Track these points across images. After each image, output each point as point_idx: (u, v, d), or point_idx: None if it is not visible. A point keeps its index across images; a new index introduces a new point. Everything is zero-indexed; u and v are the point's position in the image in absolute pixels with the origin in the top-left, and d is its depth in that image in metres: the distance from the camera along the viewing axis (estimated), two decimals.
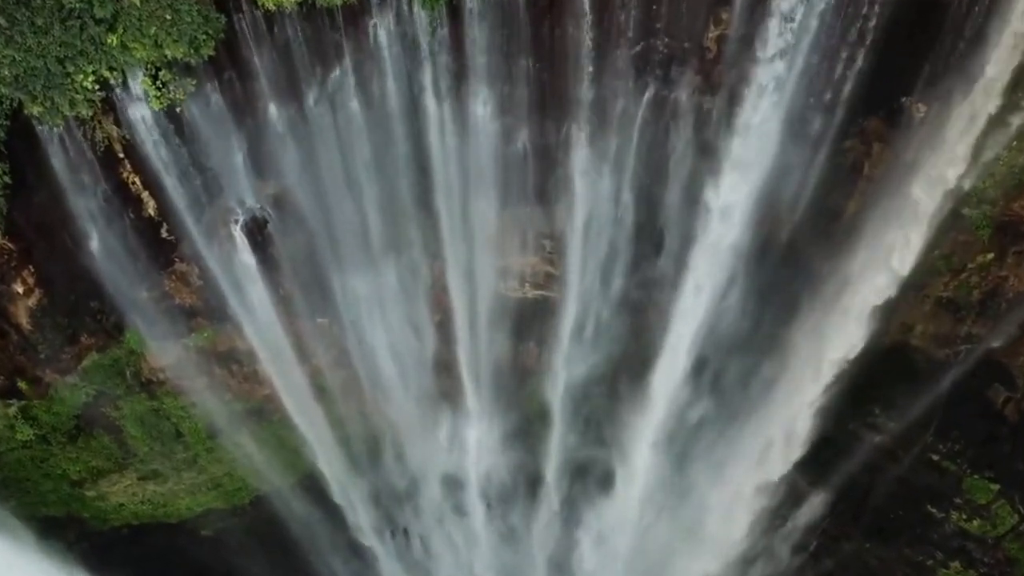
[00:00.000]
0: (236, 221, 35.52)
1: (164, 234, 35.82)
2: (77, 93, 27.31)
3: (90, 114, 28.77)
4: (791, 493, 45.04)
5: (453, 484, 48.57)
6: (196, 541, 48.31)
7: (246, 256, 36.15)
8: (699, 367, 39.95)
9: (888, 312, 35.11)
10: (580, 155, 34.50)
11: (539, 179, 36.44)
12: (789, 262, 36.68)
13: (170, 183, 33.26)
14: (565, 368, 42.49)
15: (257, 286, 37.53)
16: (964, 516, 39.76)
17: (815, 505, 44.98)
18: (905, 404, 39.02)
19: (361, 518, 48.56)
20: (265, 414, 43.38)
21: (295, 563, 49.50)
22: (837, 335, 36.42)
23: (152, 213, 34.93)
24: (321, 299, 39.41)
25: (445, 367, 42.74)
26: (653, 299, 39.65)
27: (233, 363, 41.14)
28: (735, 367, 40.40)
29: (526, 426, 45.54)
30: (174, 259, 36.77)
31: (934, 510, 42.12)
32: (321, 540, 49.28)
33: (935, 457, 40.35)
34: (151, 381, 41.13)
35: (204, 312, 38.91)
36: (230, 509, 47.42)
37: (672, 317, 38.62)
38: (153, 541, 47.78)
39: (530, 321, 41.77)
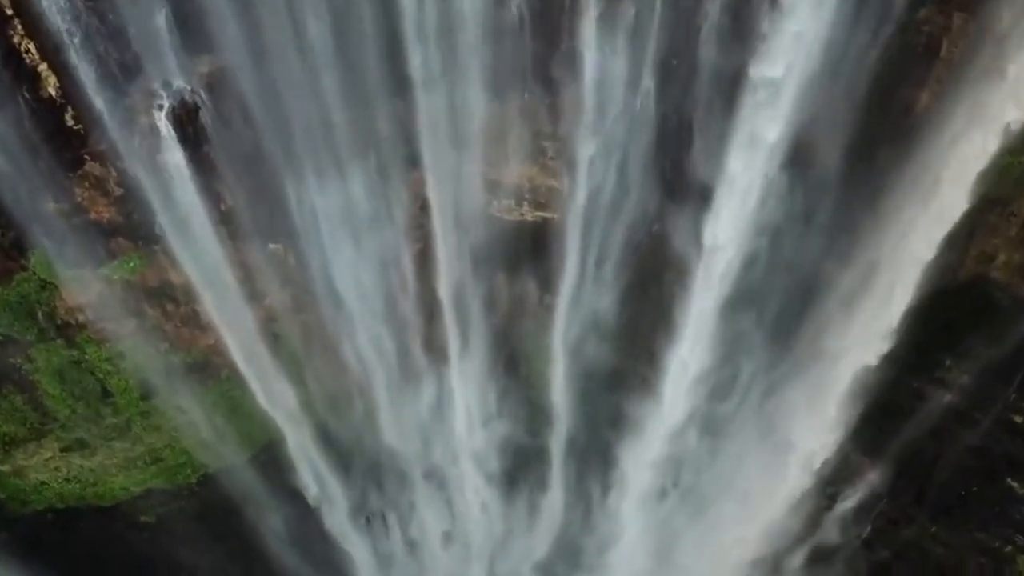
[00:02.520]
0: (160, 107, 28.52)
1: (69, 121, 28.28)
2: None
3: None
4: (842, 467, 36.97)
5: (438, 459, 40.57)
6: (135, 528, 41.09)
7: (174, 153, 29.51)
8: (737, 303, 32.10)
9: (964, 236, 28.51)
10: (590, 24, 28.23)
11: (538, 57, 29.93)
12: (844, 170, 29.98)
13: (74, 53, 27.00)
14: (573, 310, 34.74)
15: (190, 196, 30.80)
16: None
17: (871, 482, 37.27)
18: (983, 353, 32.01)
19: (330, 501, 40.34)
20: (210, 369, 35.93)
21: (252, 555, 41.51)
22: (901, 265, 29.31)
23: (53, 93, 28.04)
24: (272, 218, 32.38)
25: (427, 311, 35.16)
26: (680, 219, 31.82)
27: (167, 302, 33.87)
28: (779, 304, 32.46)
29: (526, 385, 37.62)
30: (84, 156, 29.72)
31: (1015, 484, 35.42)
32: (283, 528, 41.51)
33: (1018, 419, 33.76)
34: (69, 324, 34.06)
35: (126, 231, 32.07)
36: (173, 490, 40.09)
37: (704, 241, 31.09)
38: (84, 528, 40.33)
39: (529, 252, 34.20)
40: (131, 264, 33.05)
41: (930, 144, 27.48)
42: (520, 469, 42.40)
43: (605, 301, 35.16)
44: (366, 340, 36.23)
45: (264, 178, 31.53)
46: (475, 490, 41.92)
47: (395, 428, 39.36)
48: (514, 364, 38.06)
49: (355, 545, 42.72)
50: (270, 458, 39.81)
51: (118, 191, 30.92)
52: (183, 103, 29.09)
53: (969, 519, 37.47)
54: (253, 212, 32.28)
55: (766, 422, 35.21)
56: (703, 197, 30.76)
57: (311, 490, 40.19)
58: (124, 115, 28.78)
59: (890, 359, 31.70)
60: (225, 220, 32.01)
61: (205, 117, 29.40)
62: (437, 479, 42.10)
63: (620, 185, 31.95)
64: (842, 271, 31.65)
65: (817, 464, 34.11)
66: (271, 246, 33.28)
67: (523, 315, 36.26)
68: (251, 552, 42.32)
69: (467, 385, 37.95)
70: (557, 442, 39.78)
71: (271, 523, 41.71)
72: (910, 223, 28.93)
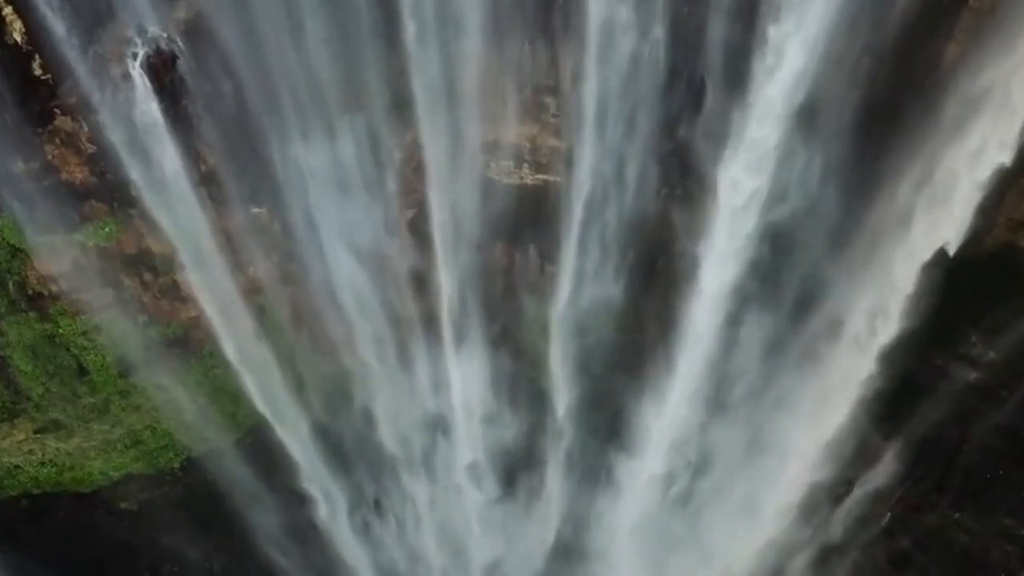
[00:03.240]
0: (134, 55, 26.42)
1: (37, 71, 26.12)
2: None
3: None
4: (860, 450, 34.84)
5: (433, 441, 38.36)
6: (115, 516, 39.10)
7: (150, 107, 27.31)
8: (753, 272, 30.01)
9: (994, 199, 26.21)
10: None
11: (540, 4, 27.91)
12: (868, 127, 27.79)
13: None
14: (576, 282, 32.52)
15: (168, 154, 28.71)
16: None
17: (890, 465, 34.87)
18: (1011, 327, 29.73)
19: (319, 488, 38.20)
20: (192, 344, 33.85)
21: (239, 545, 39.25)
22: (925, 230, 27.58)
23: (19, 39, 25.98)
24: (256, 179, 30.40)
25: (421, 282, 32.88)
26: (692, 182, 29.69)
27: (145, 271, 31.84)
28: (796, 271, 30.33)
29: (527, 363, 35.41)
30: (54, 110, 27.58)
31: None
32: (272, 516, 39.15)
33: None
34: (41, 295, 32.12)
35: (100, 193, 30.04)
36: (155, 475, 38.13)
37: (717, 202, 29.35)
38: (61, 516, 38.30)
39: (530, 218, 31.98)
40: (106, 229, 30.94)
41: (959, 98, 25.51)
42: (519, 455, 40.02)
43: (610, 271, 32.88)
44: (357, 313, 33.95)
45: (247, 136, 29.61)
46: (473, 475, 39.54)
47: (388, 406, 37.07)
48: (513, 339, 35.75)
49: (347, 536, 40.29)
50: (257, 441, 37.69)
51: (90, 148, 28.86)
52: (159, 51, 27.12)
53: (995, 505, 34.98)
54: (235, 173, 30.32)
55: (779, 399, 32.98)
56: (717, 156, 28.46)
57: (301, 475, 37.68)
58: (95, 64, 26.59)
59: (910, 333, 29.62)
60: (205, 181, 29.97)
61: (183, 67, 27.37)
62: (433, 463, 39.74)
63: (628, 144, 29.70)
64: (861, 232, 29.31)
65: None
66: (255, 210, 31.24)
67: (523, 286, 33.93)
68: (238, 541, 40.15)
69: (463, 361, 35.71)
70: (558, 424, 37.40)
71: (259, 511, 39.44)
72: (935, 179, 26.48)
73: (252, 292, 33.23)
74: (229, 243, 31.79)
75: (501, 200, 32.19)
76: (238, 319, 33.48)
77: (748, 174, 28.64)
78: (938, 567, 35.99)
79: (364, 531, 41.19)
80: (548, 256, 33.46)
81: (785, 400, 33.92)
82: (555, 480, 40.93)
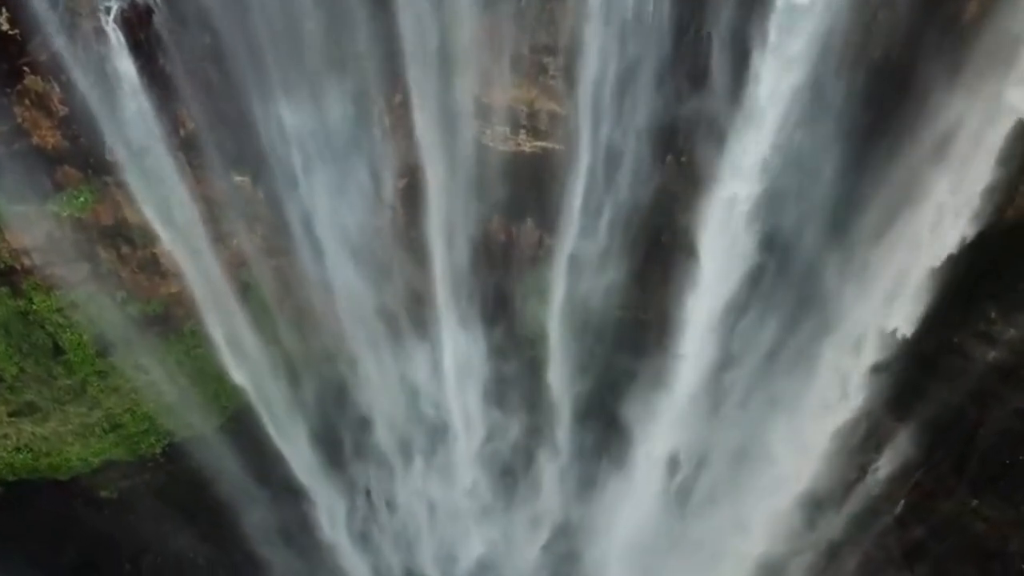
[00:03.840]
0: (107, 9, 24.71)
1: (4, 25, 24.50)
2: None
3: None
4: (873, 432, 33.29)
5: (427, 425, 36.62)
6: (94, 505, 37.34)
7: (124, 65, 25.52)
8: (761, 239, 28.30)
9: (1014, 168, 24.71)
10: None
11: None
12: (883, 90, 26.25)
13: None
14: (577, 257, 31.02)
15: (145, 117, 27.05)
16: None
17: (905, 449, 33.12)
18: None
19: (308, 475, 36.38)
20: (173, 322, 32.18)
21: (224, 534, 37.46)
22: (943, 199, 25.90)
23: None
24: (238, 144, 28.65)
25: (414, 255, 31.17)
26: (699, 148, 28.07)
27: (123, 243, 30.19)
28: (806, 242, 28.64)
29: (526, 343, 33.70)
30: (23, 68, 25.98)
31: None
32: (257, 504, 37.28)
33: None
34: (13, 269, 30.56)
35: (74, 159, 28.45)
36: (136, 462, 36.45)
37: (724, 168, 27.72)
38: (38, 505, 36.39)
39: (528, 189, 30.23)
40: (81, 199, 29.25)
41: (980, 58, 23.81)
42: (516, 441, 38.31)
43: (613, 246, 31.18)
44: (346, 289, 32.22)
45: (228, 97, 27.96)
46: (468, 458, 37.81)
47: (379, 386, 35.32)
48: (510, 316, 34.01)
49: (338, 526, 38.50)
50: (243, 426, 35.88)
51: (63, 111, 27.21)
52: (134, 5, 25.52)
53: (1015, 491, 32.95)
54: (216, 137, 28.64)
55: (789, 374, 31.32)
56: (726, 120, 26.79)
57: (288, 461, 35.94)
58: (66, 19, 24.92)
59: (927, 308, 28.22)
60: (185, 146, 28.32)
61: (159, 22, 25.71)
62: (427, 449, 38.00)
63: (632, 109, 28.01)
64: (874, 203, 27.69)
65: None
66: (237, 178, 29.59)
67: (521, 260, 32.21)
68: (224, 532, 38.31)
69: (458, 340, 33.97)
70: (557, 412, 35.70)
71: (245, 500, 37.65)
72: (955, 145, 24.79)
73: (236, 266, 31.55)
74: (211, 213, 30.15)
75: (498, 169, 30.41)
76: (221, 295, 31.72)
77: (757, 139, 26.91)
78: (954, 557, 34.16)
79: (355, 521, 39.31)
80: (547, 229, 31.75)
81: (795, 380, 32.12)
82: (553, 466, 39.22)
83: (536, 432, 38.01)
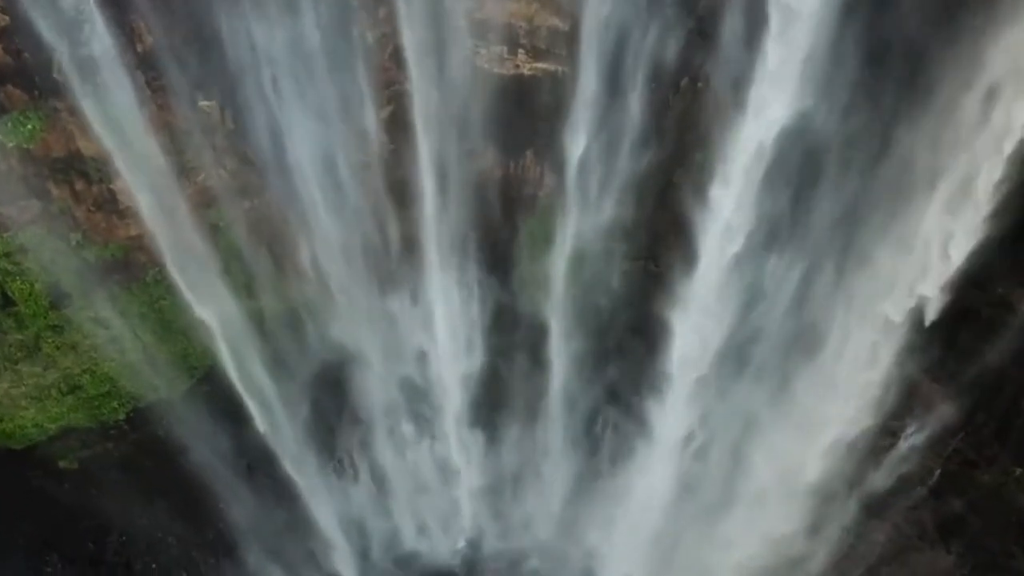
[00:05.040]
0: None
1: None
2: None
3: None
4: (909, 395, 29.94)
5: (413, 387, 33.34)
6: (53, 477, 34.08)
7: None
8: (785, 182, 25.50)
9: None
10: None
11: None
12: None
13: None
14: (581, 195, 28.27)
15: (97, 28, 24.37)
16: None
17: (942, 414, 30.00)
18: None
19: (284, 442, 33.16)
20: (134, 269, 29.08)
21: (196, 511, 34.15)
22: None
23: None
24: (203, 64, 25.27)
25: (401, 195, 27.89)
26: (719, 71, 25.51)
27: (77, 178, 27.20)
28: (838, 184, 25.65)
29: (524, 294, 30.48)
30: None
31: None
32: (232, 476, 34.01)
33: None
34: None
35: (18, 78, 25.53)
36: (98, 429, 33.58)
37: (747, 95, 24.45)
38: None
39: (527, 117, 26.98)
40: (28, 126, 26.19)
41: None
42: (510, 405, 35.05)
43: (621, 183, 28.01)
44: (326, 232, 28.99)
45: (192, 8, 24.64)
46: (458, 423, 34.56)
47: (362, 341, 32.08)
48: (507, 263, 30.75)
49: (315, 493, 35.20)
50: (214, 389, 32.59)
51: (3, 20, 23.86)
52: None
53: None
54: (178, 55, 25.81)
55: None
56: (752, 37, 23.57)
57: (260, 425, 32.68)
58: None
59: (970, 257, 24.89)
60: (143, 65, 25.40)
61: None
62: (411, 406, 34.70)
63: (644, 25, 24.84)
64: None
65: None
66: (203, 102, 26.28)
67: (519, 199, 28.95)
68: (196, 508, 34.92)
69: (448, 289, 30.73)
70: (557, 367, 32.49)
71: (219, 472, 34.34)
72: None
73: (202, 206, 28.43)
74: (173, 144, 26.95)
75: (493, 96, 27.18)
76: (187, 239, 28.53)
77: (787, 57, 23.73)
78: (994, 533, 31.53)
79: (333, 486, 36.01)
80: (549, 165, 28.52)
81: (820, 331, 28.97)
82: (554, 436, 36.07)
83: (533, 394, 34.73)
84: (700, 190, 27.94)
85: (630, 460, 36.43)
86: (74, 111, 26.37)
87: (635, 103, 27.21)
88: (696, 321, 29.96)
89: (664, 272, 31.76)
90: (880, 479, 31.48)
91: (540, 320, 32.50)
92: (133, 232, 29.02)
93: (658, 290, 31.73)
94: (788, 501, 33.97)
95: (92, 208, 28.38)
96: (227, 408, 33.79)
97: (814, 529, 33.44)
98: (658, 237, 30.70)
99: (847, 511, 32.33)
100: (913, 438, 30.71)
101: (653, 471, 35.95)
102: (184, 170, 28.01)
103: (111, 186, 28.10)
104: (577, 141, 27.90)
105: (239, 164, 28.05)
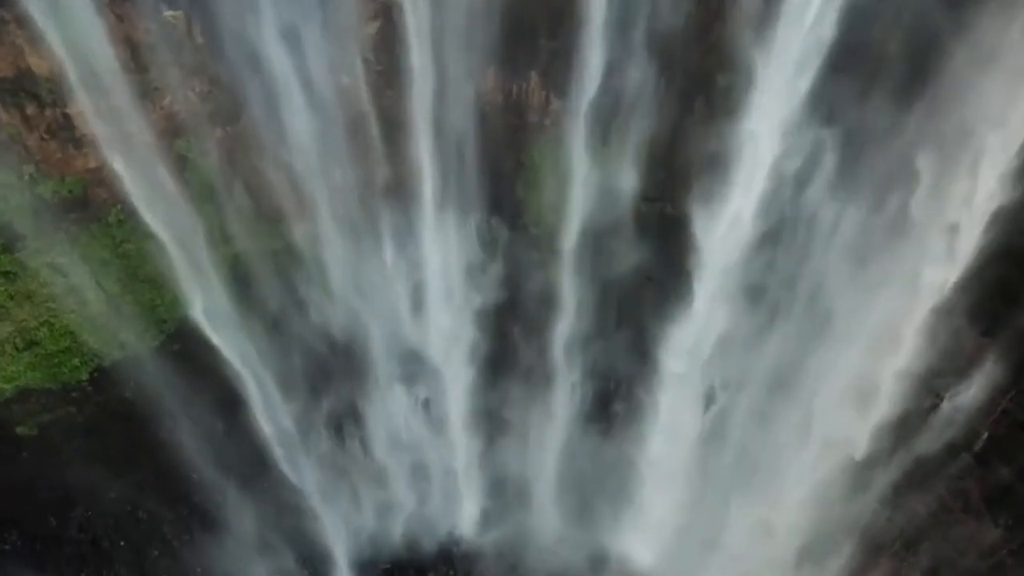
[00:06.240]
0: None
1: None
2: None
3: None
4: (954, 350, 27.35)
5: (405, 344, 30.25)
6: (10, 444, 31.24)
7: None
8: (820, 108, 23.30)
9: None
10: None
11: None
12: None
13: None
14: (593, 123, 25.56)
15: None
16: None
17: (990, 370, 27.27)
18: None
19: (264, 406, 30.09)
20: (94, 207, 26.16)
21: (168, 479, 31.05)
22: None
23: None
24: None
25: (391, 125, 24.77)
26: None
27: (28, 101, 24.53)
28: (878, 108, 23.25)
29: (529, 240, 27.44)
30: None
31: None
32: (207, 443, 30.95)
33: None
34: None
35: None
36: (58, 390, 30.94)
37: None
38: None
39: (531, 33, 23.90)
40: None
41: None
42: (515, 370, 31.99)
43: (637, 108, 24.85)
44: (309, 168, 25.89)
45: None
46: (453, 382, 31.52)
47: (347, 299, 29.00)
48: (511, 205, 27.64)
49: (298, 467, 32.14)
50: (186, 346, 29.46)
51: None
52: None
53: None
54: None
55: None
56: None
57: (239, 391, 29.63)
58: None
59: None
60: None
61: None
62: (405, 372, 31.60)
63: None
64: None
65: None
66: (167, 13, 23.14)
67: (524, 129, 25.83)
68: (166, 477, 31.91)
69: (445, 233, 27.64)
70: (568, 323, 29.43)
71: (193, 438, 31.21)
72: None
73: (169, 134, 25.38)
74: (135, 60, 23.84)
75: (493, 6, 24.11)
76: (152, 172, 25.37)
77: None
78: None
79: (320, 456, 32.91)
80: (555, 88, 25.39)
81: (860, 278, 26.05)
82: (560, 408, 33.05)
83: (540, 359, 31.68)
84: (728, 117, 24.94)
85: (641, 423, 33.53)
86: (23, 22, 23.70)
87: (649, 15, 24.05)
88: (718, 268, 26.92)
89: (681, 216, 28.76)
90: (921, 444, 28.97)
91: (548, 266, 29.46)
92: (92, 164, 26.19)
93: (676, 235, 28.71)
94: (819, 465, 31.14)
95: (45, 136, 25.41)
96: (201, 367, 30.55)
97: (851, 495, 30.42)
98: (676, 175, 27.54)
99: (886, 478, 29.96)
100: (958, 398, 28.24)
101: (667, 445, 33.09)
102: (148, 92, 25.18)
103: (66, 110, 25.35)
104: (586, 61, 24.87)
105: (209, 86, 25.15)
